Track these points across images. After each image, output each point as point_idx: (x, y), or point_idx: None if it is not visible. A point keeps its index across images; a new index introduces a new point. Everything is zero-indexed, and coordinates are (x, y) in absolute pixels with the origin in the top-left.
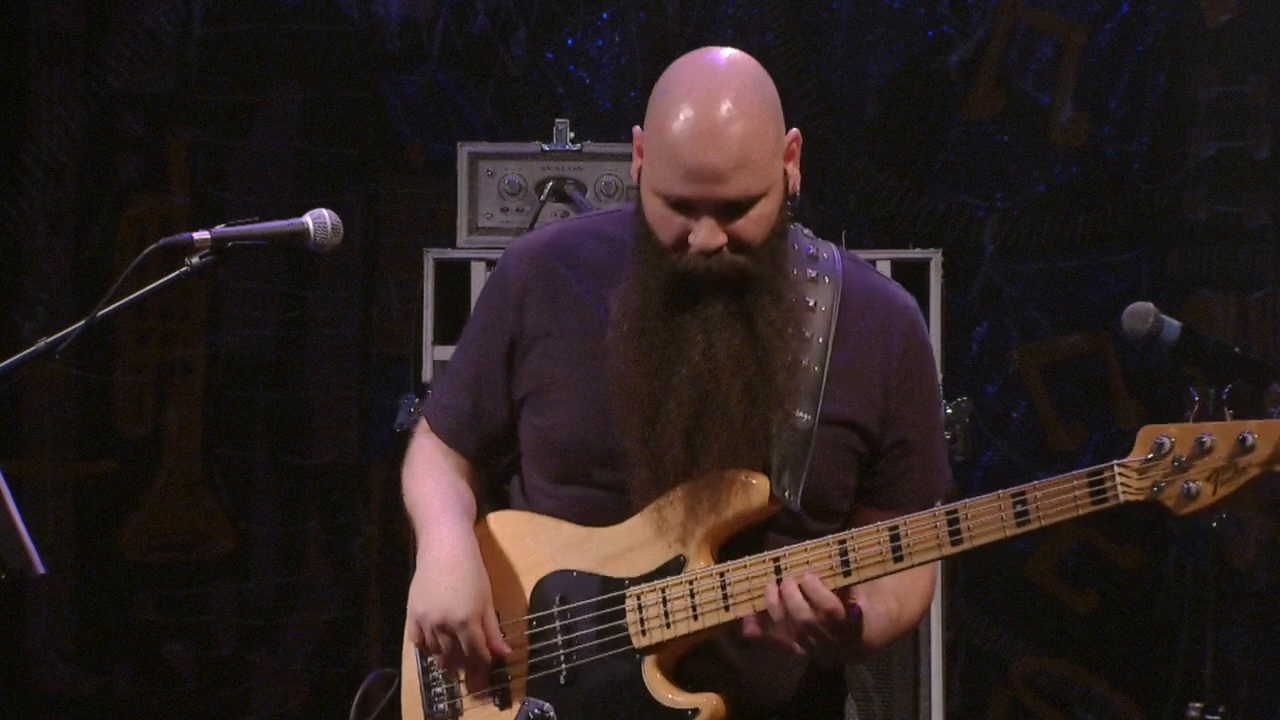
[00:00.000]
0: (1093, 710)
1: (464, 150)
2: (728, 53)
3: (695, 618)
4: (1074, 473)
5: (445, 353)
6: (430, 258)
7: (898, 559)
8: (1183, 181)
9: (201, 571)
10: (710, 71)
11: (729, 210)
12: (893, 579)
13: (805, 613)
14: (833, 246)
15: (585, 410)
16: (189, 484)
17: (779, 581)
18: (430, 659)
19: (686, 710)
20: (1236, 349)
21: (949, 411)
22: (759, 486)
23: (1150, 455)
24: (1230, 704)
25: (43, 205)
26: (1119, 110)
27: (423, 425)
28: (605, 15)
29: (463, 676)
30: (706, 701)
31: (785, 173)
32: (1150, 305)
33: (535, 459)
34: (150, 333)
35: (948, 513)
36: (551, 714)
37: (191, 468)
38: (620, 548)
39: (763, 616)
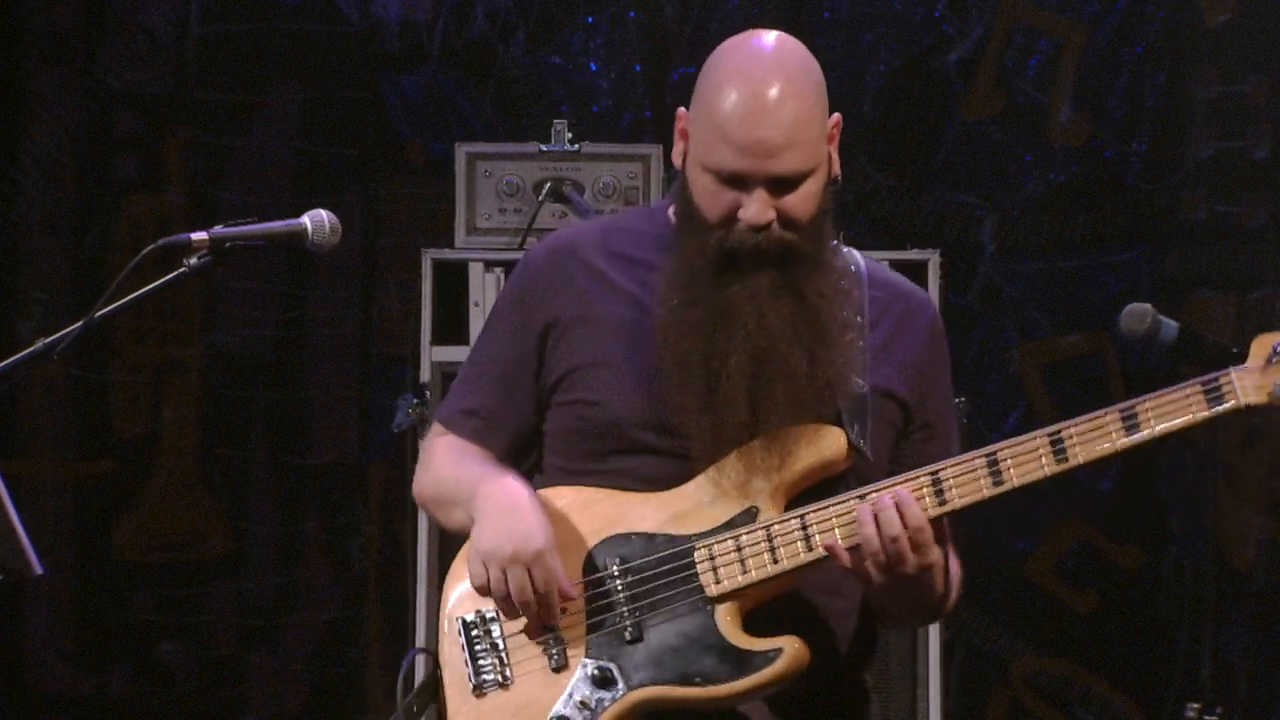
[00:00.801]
0: (1092, 710)
1: (462, 151)
2: (775, 35)
3: (775, 561)
4: (1187, 382)
5: (444, 353)
6: (428, 258)
7: (997, 483)
8: (1182, 181)
9: (200, 571)
10: (759, 53)
11: (779, 186)
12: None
13: (895, 526)
14: (856, 258)
15: (633, 382)
16: (187, 484)
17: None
18: (485, 617)
19: (768, 652)
20: (1235, 349)
21: None
22: (835, 436)
23: (1268, 359)
24: (1229, 704)
25: (40, 204)
26: (1118, 110)
27: (436, 430)
28: (606, 16)
29: (521, 629)
30: (789, 643)
31: (830, 155)
32: (1148, 306)
33: (573, 441)
34: (148, 332)
35: (1050, 434)
36: (614, 673)
37: (189, 468)
38: (684, 508)
39: (848, 547)
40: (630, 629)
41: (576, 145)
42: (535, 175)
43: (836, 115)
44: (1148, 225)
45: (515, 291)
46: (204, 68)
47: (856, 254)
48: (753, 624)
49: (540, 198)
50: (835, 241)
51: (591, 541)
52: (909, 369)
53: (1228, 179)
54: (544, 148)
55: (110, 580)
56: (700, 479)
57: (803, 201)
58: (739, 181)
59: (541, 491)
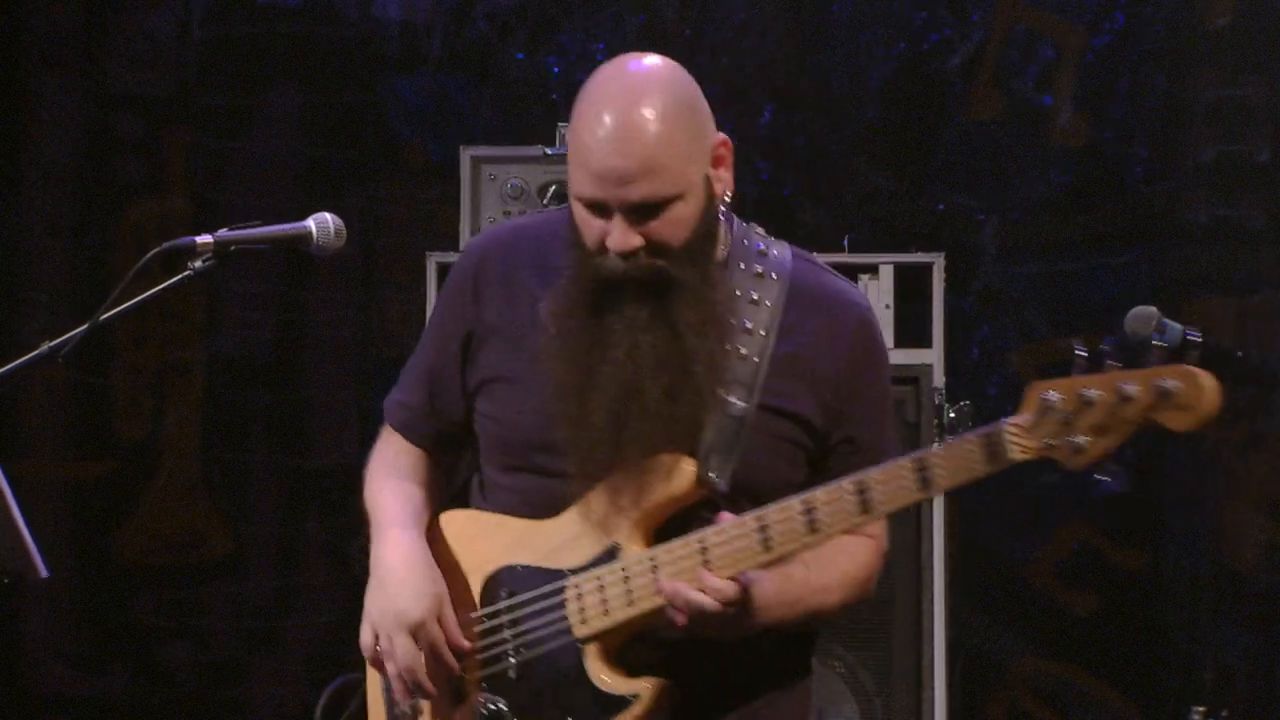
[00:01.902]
0: (1092, 712)
1: (466, 154)
2: (648, 59)
3: (631, 604)
4: (969, 435)
5: None
6: (433, 261)
7: (814, 530)
8: (1182, 184)
9: (200, 573)
10: (625, 77)
11: (639, 212)
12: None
13: (703, 606)
14: (786, 246)
15: (528, 402)
16: (187, 486)
17: (705, 563)
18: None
19: (626, 696)
20: (1239, 352)
21: (951, 415)
22: (685, 470)
23: (1038, 413)
24: (1231, 706)
25: (42, 207)
26: (1118, 112)
27: (385, 427)
28: (606, 17)
29: (421, 681)
30: (646, 687)
31: (709, 179)
32: (1154, 309)
33: (487, 451)
34: (148, 335)
35: (855, 484)
36: (504, 708)
37: (190, 470)
38: (561, 540)
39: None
40: (514, 667)
41: None
42: (540, 178)
43: (721, 136)
44: (1148, 227)
45: (445, 294)
46: (205, 70)
47: (789, 254)
48: (634, 648)
49: (545, 201)
50: (761, 244)
51: (486, 572)
52: (820, 384)
53: (1228, 181)
54: (549, 151)
55: (110, 582)
56: (573, 510)
57: (671, 227)
58: (601, 208)
59: (443, 516)
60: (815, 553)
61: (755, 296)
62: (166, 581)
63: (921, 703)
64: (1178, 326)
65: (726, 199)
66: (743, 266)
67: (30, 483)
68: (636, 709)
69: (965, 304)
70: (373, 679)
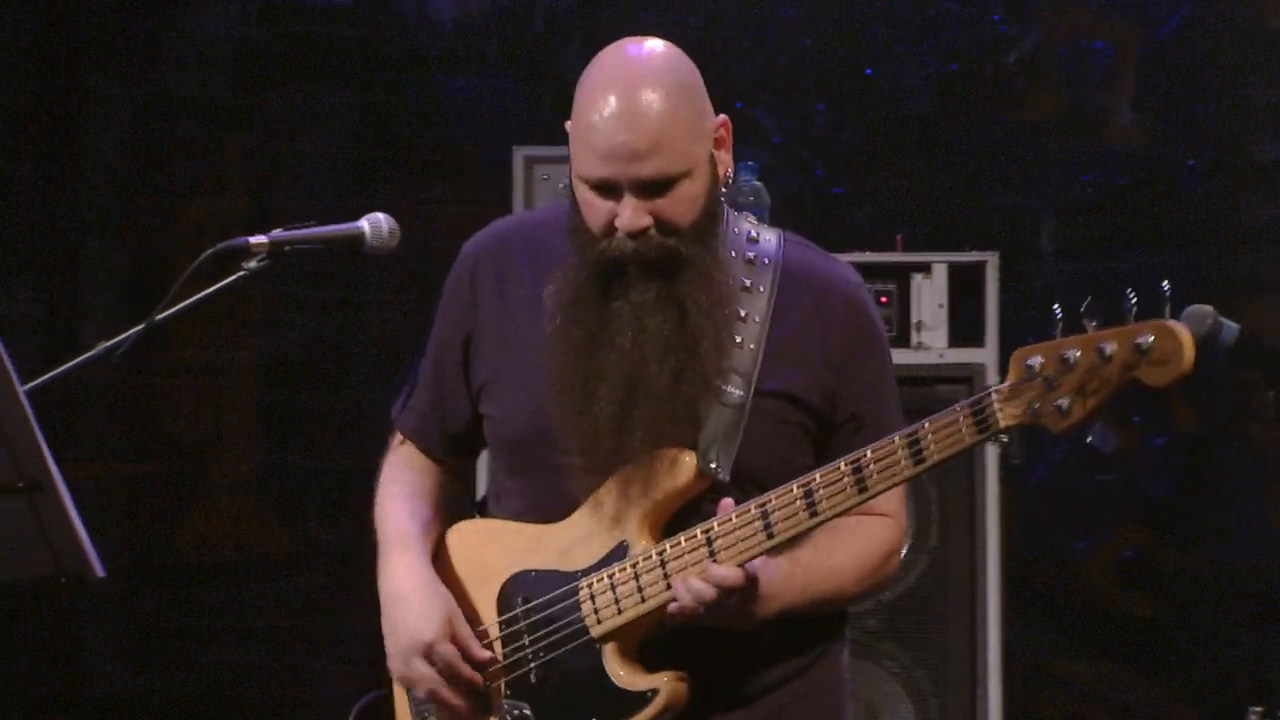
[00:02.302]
0: (1147, 714)
1: (519, 154)
2: (648, 42)
3: (643, 600)
4: (958, 405)
5: None
6: None
7: (813, 514)
8: (1240, 184)
9: (254, 573)
10: (626, 59)
11: (648, 190)
12: (822, 532)
13: (707, 595)
14: (778, 232)
15: (528, 399)
16: (242, 486)
17: (711, 555)
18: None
19: (645, 692)
20: None
21: None
22: (685, 462)
23: (1022, 379)
24: None
25: (98, 209)
26: (1175, 112)
27: (394, 437)
28: (660, 21)
29: (445, 700)
30: (664, 682)
31: (713, 158)
32: (1209, 308)
33: (494, 455)
34: (204, 335)
35: (851, 463)
36: (529, 714)
37: (244, 470)
38: (571, 540)
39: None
40: (536, 671)
41: None
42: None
43: (723, 117)
44: (1206, 228)
45: (443, 298)
46: (263, 71)
47: (780, 239)
48: (654, 644)
49: None
50: (752, 230)
51: (500, 580)
52: (815, 365)
53: None
54: None
55: (165, 582)
56: (583, 509)
57: (679, 205)
58: (610, 189)
59: (452, 529)
60: (825, 535)
61: (748, 283)
62: (221, 581)
63: (976, 703)
64: (1234, 325)
65: (729, 180)
66: (734, 254)
67: (86, 482)
68: (657, 703)
69: (1021, 303)
70: (400, 695)
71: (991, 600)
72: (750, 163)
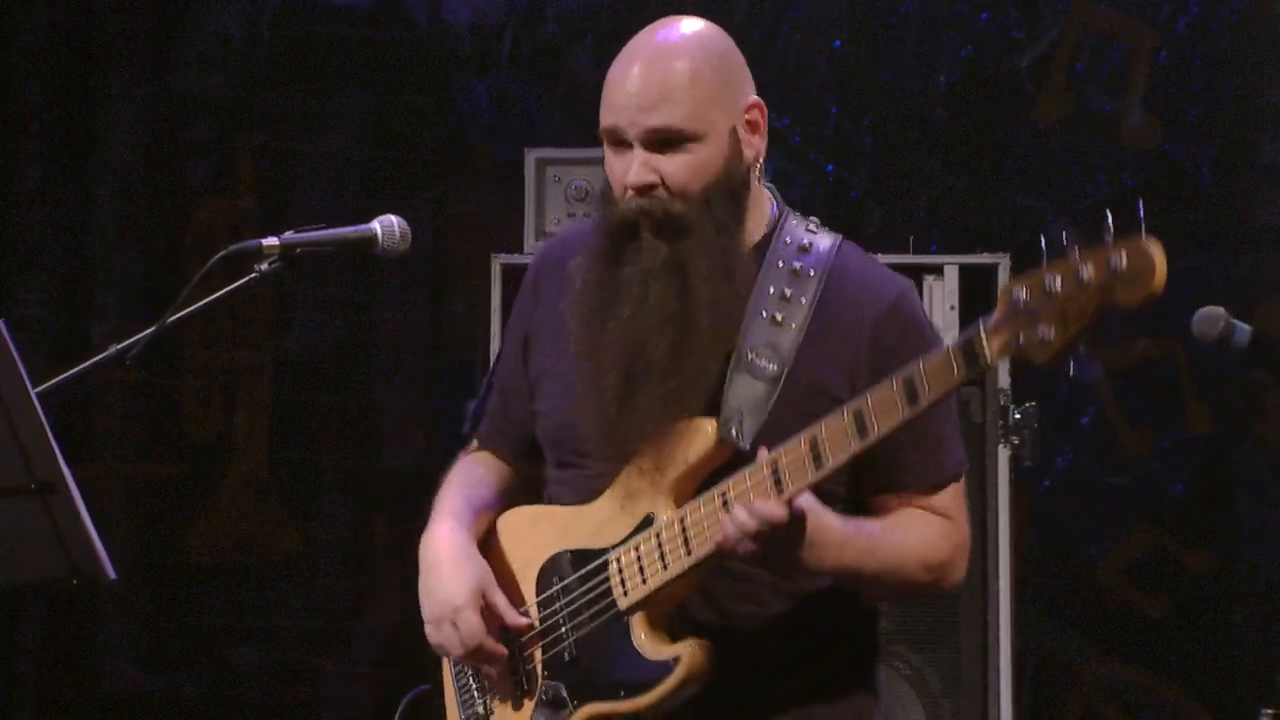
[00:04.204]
0: (1162, 715)
1: (531, 156)
2: (687, 17)
3: (666, 567)
4: (951, 343)
5: None
6: (498, 263)
7: (819, 464)
8: (1253, 186)
9: (269, 574)
10: (661, 27)
11: (658, 144)
12: (894, 515)
13: (749, 525)
14: (837, 236)
15: (566, 391)
16: (256, 487)
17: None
18: (456, 663)
19: (668, 660)
20: None
21: (1017, 416)
22: (705, 431)
23: (1008, 312)
24: None
25: (111, 209)
26: (1189, 114)
27: (471, 442)
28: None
29: (483, 670)
30: (686, 649)
31: (737, 134)
32: (1221, 310)
33: (545, 451)
34: (218, 336)
35: (852, 410)
36: (564, 693)
37: (259, 471)
38: (602, 519)
39: (721, 550)
40: (570, 648)
41: None
42: (604, 180)
43: (756, 99)
44: (1219, 230)
45: (516, 301)
46: (275, 72)
47: (835, 241)
48: (684, 615)
49: None
50: (813, 228)
51: (539, 562)
52: (848, 364)
53: None
54: None
55: (180, 583)
56: (613, 487)
57: (687, 168)
58: (622, 142)
59: (502, 516)
60: (896, 517)
61: (798, 267)
62: (236, 582)
63: (989, 706)
64: (1246, 328)
65: (758, 165)
66: (788, 240)
67: (100, 483)
68: (679, 671)
69: None
70: (448, 674)
71: (1003, 602)
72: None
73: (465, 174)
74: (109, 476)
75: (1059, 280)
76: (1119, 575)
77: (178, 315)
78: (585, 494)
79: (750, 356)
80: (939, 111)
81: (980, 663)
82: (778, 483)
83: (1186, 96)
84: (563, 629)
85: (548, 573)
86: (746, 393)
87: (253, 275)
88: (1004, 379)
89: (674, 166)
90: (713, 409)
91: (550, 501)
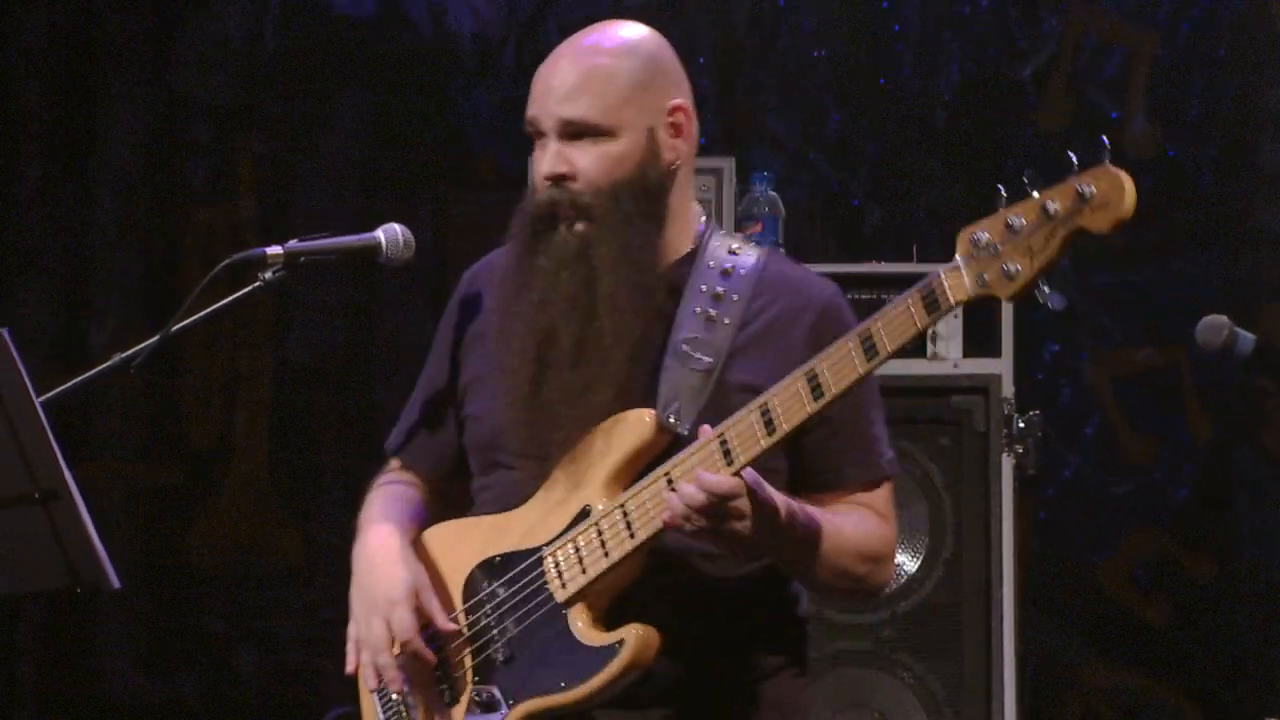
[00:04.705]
0: None
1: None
2: (630, 22)
3: (606, 554)
4: (908, 292)
5: None
6: None
7: (770, 430)
8: (1254, 190)
9: (269, 579)
10: (598, 26)
11: (570, 135)
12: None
13: (696, 499)
14: (764, 248)
15: (494, 394)
16: (257, 492)
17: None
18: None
19: (613, 644)
20: None
21: (1021, 425)
22: (643, 419)
23: (968, 254)
24: None
25: (111, 212)
26: (1190, 119)
27: (384, 470)
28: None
29: (416, 673)
30: (630, 632)
31: (656, 135)
32: (1224, 318)
33: (471, 458)
34: (219, 341)
35: (805, 373)
36: (498, 695)
37: (260, 475)
38: (534, 520)
39: (670, 527)
40: (503, 650)
41: None
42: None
43: (682, 102)
44: (1220, 235)
45: (442, 318)
46: (276, 77)
47: (763, 251)
48: (625, 607)
49: None
50: (736, 245)
51: (465, 571)
52: (782, 362)
53: None
54: None
55: (181, 587)
56: (541, 490)
57: (598, 161)
58: (540, 134)
59: (426, 531)
60: (833, 509)
61: (729, 267)
62: (236, 586)
63: (992, 713)
64: (1249, 336)
65: (684, 170)
66: (717, 245)
67: (101, 487)
68: (624, 655)
69: (1036, 314)
70: (365, 693)
71: (1007, 610)
72: (765, 172)
73: (468, 181)
74: (109, 478)
75: (1022, 217)
76: (1122, 581)
77: (181, 324)
78: (512, 499)
79: (685, 349)
80: (942, 119)
81: (984, 671)
82: (727, 454)
83: (1186, 98)
84: (493, 631)
85: (475, 580)
86: (682, 383)
87: (257, 284)
88: (1008, 388)
89: (586, 159)
90: (623, 403)
91: (478, 512)
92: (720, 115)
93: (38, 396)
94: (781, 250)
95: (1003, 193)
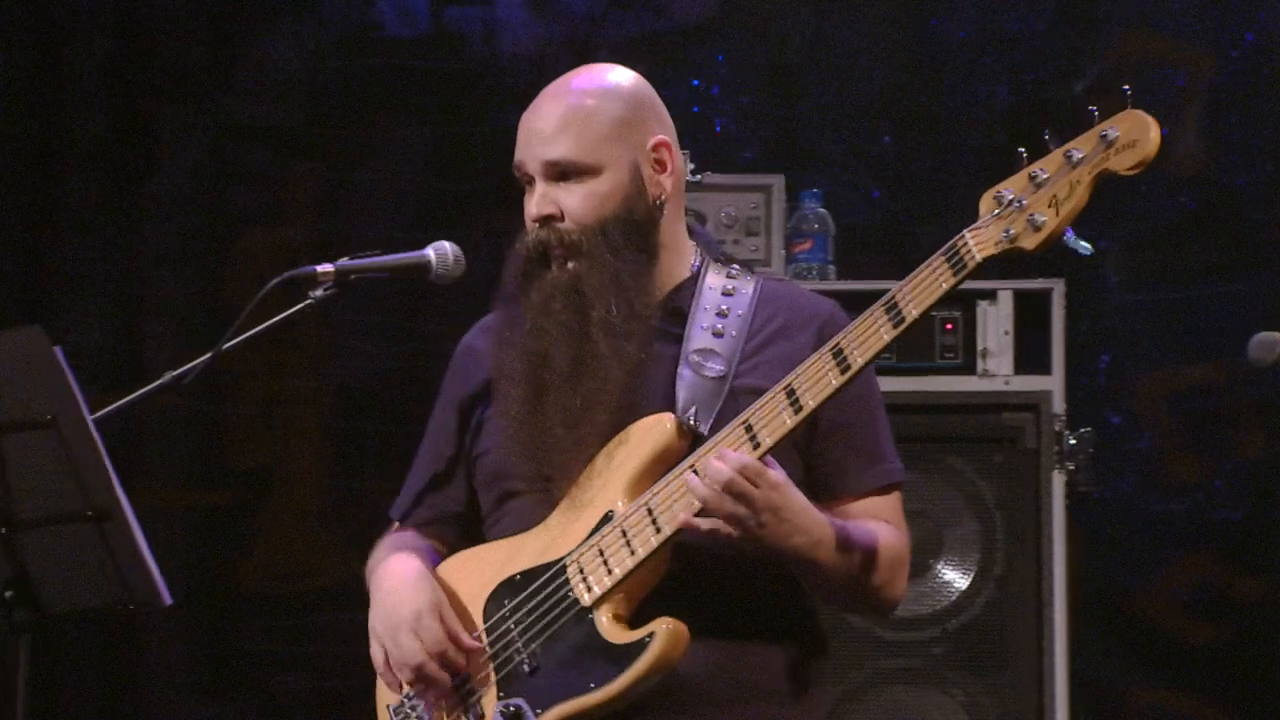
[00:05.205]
0: None
1: None
2: (612, 65)
3: (632, 553)
4: (932, 257)
5: None
6: None
7: (797, 409)
8: None
9: (317, 602)
10: (579, 70)
11: (555, 176)
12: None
13: (724, 474)
14: (759, 275)
15: (499, 428)
16: (305, 515)
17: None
18: (409, 697)
19: (643, 639)
20: None
21: (1073, 442)
22: (662, 423)
23: (993, 210)
24: None
25: (166, 237)
26: (1239, 139)
27: (393, 527)
28: (729, 47)
29: (439, 698)
30: (660, 626)
31: (640, 171)
32: (1277, 335)
33: (482, 492)
34: (267, 365)
35: (831, 349)
36: (523, 707)
37: (308, 499)
38: (552, 536)
39: (696, 517)
40: (528, 661)
41: (698, 176)
42: None
43: (664, 138)
44: (1273, 253)
45: (443, 384)
46: (328, 101)
47: (749, 278)
48: (651, 608)
49: None
50: (734, 271)
51: (484, 594)
52: (786, 367)
53: None
54: None
55: (229, 610)
56: (558, 508)
57: (584, 199)
58: (529, 179)
59: (441, 565)
60: (852, 516)
61: (730, 288)
62: (284, 610)
63: None
64: None
65: (672, 204)
66: (717, 272)
67: (151, 511)
68: (655, 647)
69: (1088, 332)
70: (381, 699)
71: (1059, 628)
72: (815, 190)
73: (517, 203)
74: (160, 503)
75: (1045, 169)
76: (1174, 602)
77: (233, 341)
78: (523, 524)
79: (696, 358)
80: (993, 138)
81: (1036, 690)
82: (753, 438)
83: (1238, 118)
84: (517, 644)
85: (496, 599)
86: (696, 391)
87: (307, 301)
88: (1058, 405)
89: (573, 199)
90: (621, 423)
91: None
92: (770, 133)
93: (90, 415)
94: (833, 268)
95: (1023, 153)
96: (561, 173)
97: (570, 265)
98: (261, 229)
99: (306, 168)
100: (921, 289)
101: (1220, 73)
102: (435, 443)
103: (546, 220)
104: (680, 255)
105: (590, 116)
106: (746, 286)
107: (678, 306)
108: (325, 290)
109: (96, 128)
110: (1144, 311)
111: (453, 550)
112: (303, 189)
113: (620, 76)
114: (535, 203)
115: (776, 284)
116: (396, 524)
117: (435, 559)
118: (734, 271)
